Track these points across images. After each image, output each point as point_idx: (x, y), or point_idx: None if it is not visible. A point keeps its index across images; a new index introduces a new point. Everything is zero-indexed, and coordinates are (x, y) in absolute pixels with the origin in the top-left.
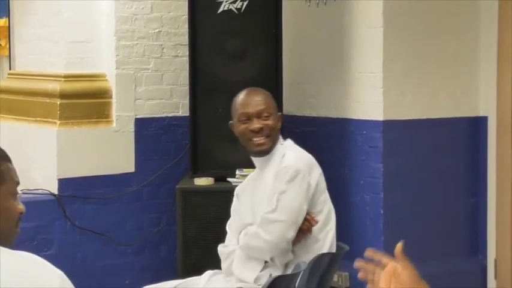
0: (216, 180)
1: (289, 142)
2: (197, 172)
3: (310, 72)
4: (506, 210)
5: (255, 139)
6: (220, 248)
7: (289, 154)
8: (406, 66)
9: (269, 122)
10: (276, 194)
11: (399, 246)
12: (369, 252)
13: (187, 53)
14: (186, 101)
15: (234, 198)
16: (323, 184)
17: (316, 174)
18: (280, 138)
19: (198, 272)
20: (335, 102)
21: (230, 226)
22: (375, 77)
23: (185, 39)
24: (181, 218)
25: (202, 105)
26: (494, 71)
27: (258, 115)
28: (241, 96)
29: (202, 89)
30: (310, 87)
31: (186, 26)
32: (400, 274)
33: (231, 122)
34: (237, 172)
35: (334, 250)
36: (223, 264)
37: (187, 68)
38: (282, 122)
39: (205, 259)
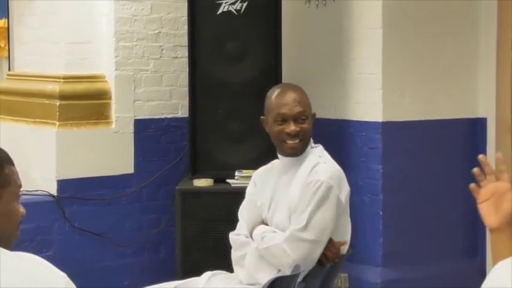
0: (215, 182)
1: (320, 148)
2: (196, 173)
3: (309, 73)
4: None
5: (289, 142)
6: (232, 236)
7: (323, 167)
8: (405, 68)
9: (305, 125)
10: (305, 208)
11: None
12: (482, 159)
13: (186, 54)
14: (185, 102)
15: (251, 183)
16: (349, 198)
17: (346, 188)
18: (311, 141)
19: (198, 272)
20: (334, 104)
21: (242, 212)
22: (374, 78)
23: (185, 40)
24: (180, 219)
25: (201, 107)
26: (493, 72)
27: (295, 118)
28: (277, 93)
29: (201, 90)
30: (310, 88)
31: (186, 27)
32: (505, 199)
33: (262, 117)
34: (237, 173)
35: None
36: (234, 253)
37: (187, 69)
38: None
39: (205, 260)
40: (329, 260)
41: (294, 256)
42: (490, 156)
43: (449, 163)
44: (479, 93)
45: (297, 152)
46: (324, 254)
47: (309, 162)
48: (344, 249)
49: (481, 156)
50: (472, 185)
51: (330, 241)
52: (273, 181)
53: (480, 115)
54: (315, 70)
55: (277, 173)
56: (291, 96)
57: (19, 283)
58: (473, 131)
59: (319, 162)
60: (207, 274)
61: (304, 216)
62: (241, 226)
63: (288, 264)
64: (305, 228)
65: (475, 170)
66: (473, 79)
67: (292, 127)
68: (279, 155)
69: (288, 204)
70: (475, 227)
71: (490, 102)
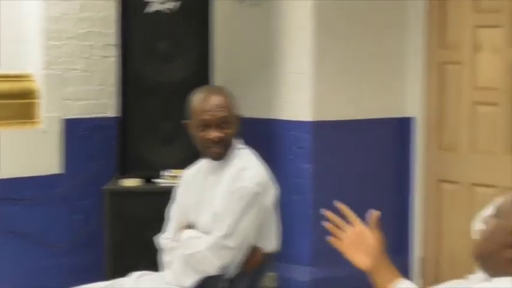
0: (144, 181)
1: (247, 151)
2: (125, 173)
3: (241, 73)
4: (431, 210)
5: (212, 148)
6: (161, 240)
7: (249, 173)
8: (334, 67)
9: (229, 131)
10: (230, 215)
11: (375, 214)
12: (338, 205)
13: (117, 54)
14: (115, 101)
15: (181, 185)
16: (276, 199)
17: (272, 192)
18: (239, 142)
19: (126, 273)
20: (265, 103)
21: (171, 214)
22: (304, 77)
23: (115, 39)
24: (109, 219)
25: (131, 106)
26: (421, 71)
27: (218, 124)
28: (200, 99)
29: (131, 90)
30: (241, 87)
31: (116, 26)
32: (366, 238)
33: (186, 121)
34: (165, 173)
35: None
36: (163, 257)
37: (117, 68)
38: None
39: (134, 260)
40: (251, 269)
41: (218, 263)
42: (418, 155)
43: (377, 162)
44: (407, 92)
45: (221, 156)
46: (246, 264)
47: (235, 165)
48: (260, 257)
49: (338, 204)
50: (332, 239)
51: (252, 250)
52: (200, 182)
53: (408, 114)
54: (246, 69)
55: (204, 173)
56: (213, 102)
57: None
58: (401, 130)
59: (245, 167)
60: (135, 274)
61: (228, 224)
62: (170, 228)
63: (212, 270)
64: (229, 235)
65: (327, 213)
66: (402, 79)
67: (215, 133)
68: (204, 158)
69: (212, 208)
70: (402, 226)
71: (418, 101)
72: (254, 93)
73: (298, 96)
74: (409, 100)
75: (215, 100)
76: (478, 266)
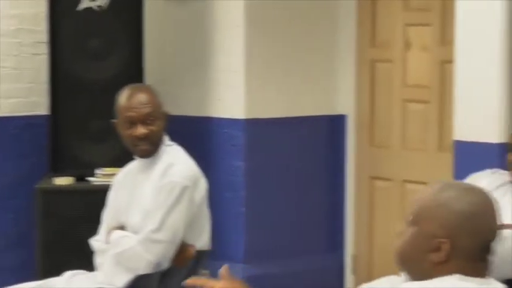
0: (76, 180)
1: (175, 147)
2: (57, 172)
3: (172, 71)
4: (363, 207)
5: (139, 145)
6: (92, 242)
7: (177, 168)
8: (267, 65)
9: (154, 128)
10: (159, 209)
11: (224, 269)
12: (189, 282)
13: (47, 51)
14: (45, 99)
15: (113, 188)
16: (206, 195)
17: (202, 187)
18: (166, 139)
19: (58, 272)
20: (197, 101)
21: (104, 217)
22: (236, 75)
23: (45, 36)
24: (40, 217)
25: (62, 104)
26: (352, 70)
27: (143, 120)
28: (125, 97)
29: (62, 87)
30: (173, 85)
31: (46, 23)
32: None
33: (114, 120)
34: (98, 171)
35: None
36: (96, 259)
37: (47, 66)
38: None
39: (66, 259)
40: (180, 266)
41: (149, 257)
42: (350, 152)
43: (310, 159)
44: (339, 90)
45: (149, 153)
46: (175, 261)
47: (163, 162)
48: (192, 253)
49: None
50: None
51: (180, 247)
52: (130, 182)
53: (340, 112)
54: (178, 67)
55: (134, 173)
56: (138, 99)
57: None
58: (333, 127)
59: (173, 163)
60: (67, 274)
61: (158, 218)
62: (101, 231)
63: (143, 266)
64: (159, 229)
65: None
66: (333, 77)
67: (140, 130)
68: (134, 156)
69: (142, 206)
70: (335, 223)
71: (350, 99)
72: (187, 91)
73: (231, 94)
74: (340, 98)
75: (139, 97)
76: (402, 270)
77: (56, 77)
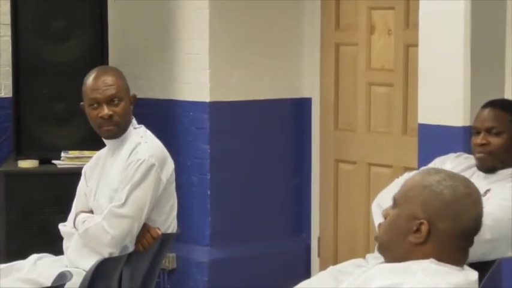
0: (41, 163)
1: (142, 129)
2: (21, 154)
3: (136, 54)
4: (329, 189)
5: (104, 126)
6: (60, 227)
7: (144, 146)
8: (232, 48)
9: (119, 109)
10: (125, 186)
11: None
12: None
13: (9, 33)
14: (8, 82)
15: (82, 177)
16: (173, 176)
17: (169, 167)
18: (134, 121)
19: (23, 256)
20: (162, 84)
21: (74, 205)
22: (201, 58)
23: (7, 18)
24: (4, 201)
25: (25, 87)
26: (317, 54)
27: (108, 101)
28: (90, 78)
29: (25, 69)
30: (137, 68)
31: (8, 5)
32: None
33: (82, 103)
34: (63, 154)
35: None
36: (64, 244)
37: (10, 48)
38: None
39: (30, 243)
40: (144, 248)
41: (113, 232)
42: (314, 135)
43: (275, 142)
44: (304, 74)
45: (115, 134)
46: (138, 242)
47: (130, 143)
48: (158, 234)
49: None
50: None
51: (144, 228)
52: (100, 167)
53: (305, 95)
54: (142, 50)
55: (102, 159)
56: (103, 80)
57: None
58: (298, 111)
59: (140, 142)
60: (33, 257)
61: (123, 194)
62: (69, 218)
63: (107, 241)
64: (123, 204)
65: None
66: (299, 60)
67: (105, 111)
68: (102, 139)
69: (109, 186)
70: (300, 206)
71: (315, 83)
72: (152, 74)
73: (196, 77)
74: (305, 81)
75: (105, 79)
76: (383, 256)
77: (18, 59)
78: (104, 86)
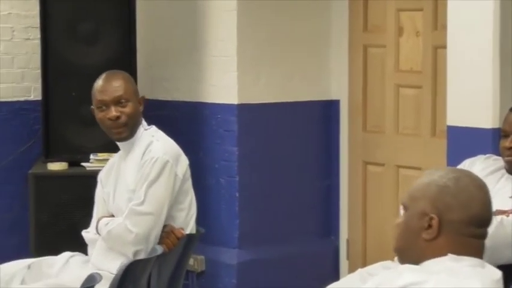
0: (70, 165)
1: (153, 128)
2: (50, 157)
3: (164, 55)
4: (357, 192)
5: (113, 128)
6: (84, 234)
7: (157, 145)
8: (260, 50)
9: (127, 110)
10: (142, 184)
11: None
12: None
13: (38, 36)
14: (38, 84)
15: (98, 184)
16: (188, 173)
17: (183, 163)
18: (144, 123)
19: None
20: (189, 86)
21: (95, 212)
22: (229, 60)
23: (36, 21)
24: (33, 203)
25: (54, 89)
26: (345, 56)
27: (115, 102)
28: (99, 82)
29: (54, 72)
30: (165, 70)
31: (37, 8)
32: None
33: (92, 107)
34: (92, 157)
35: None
36: (88, 250)
37: (39, 51)
38: (144, 105)
39: (59, 244)
40: (169, 248)
41: (137, 230)
42: (343, 137)
43: (303, 145)
44: (332, 76)
45: (124, 136)
46: (163, 243)
47: (143, 143)
48: (183, 234)
49: None
50: None
51: (168, 228)
52: (115, 171)
53: (333, 97)
54: (170, 52)
55: (117, 164)
56: (109, 82)
57: None
58: (326, 113)
59: (152, 141)
60: (66, 254)
61: (141, 192)
62: (92, 224)
63: (131, 240)
64: (143, 202)
65: None
66: (326, 62)
67: (112, 112)
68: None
69: (127, 188)
70: (328, 208)
71: (343, 85)
72: (180, 76)
73: (224, 80)
74: (333, 83)
75: (112, 81)
76: (402, 261)
77: (48, 62)
78: (111, 87)
